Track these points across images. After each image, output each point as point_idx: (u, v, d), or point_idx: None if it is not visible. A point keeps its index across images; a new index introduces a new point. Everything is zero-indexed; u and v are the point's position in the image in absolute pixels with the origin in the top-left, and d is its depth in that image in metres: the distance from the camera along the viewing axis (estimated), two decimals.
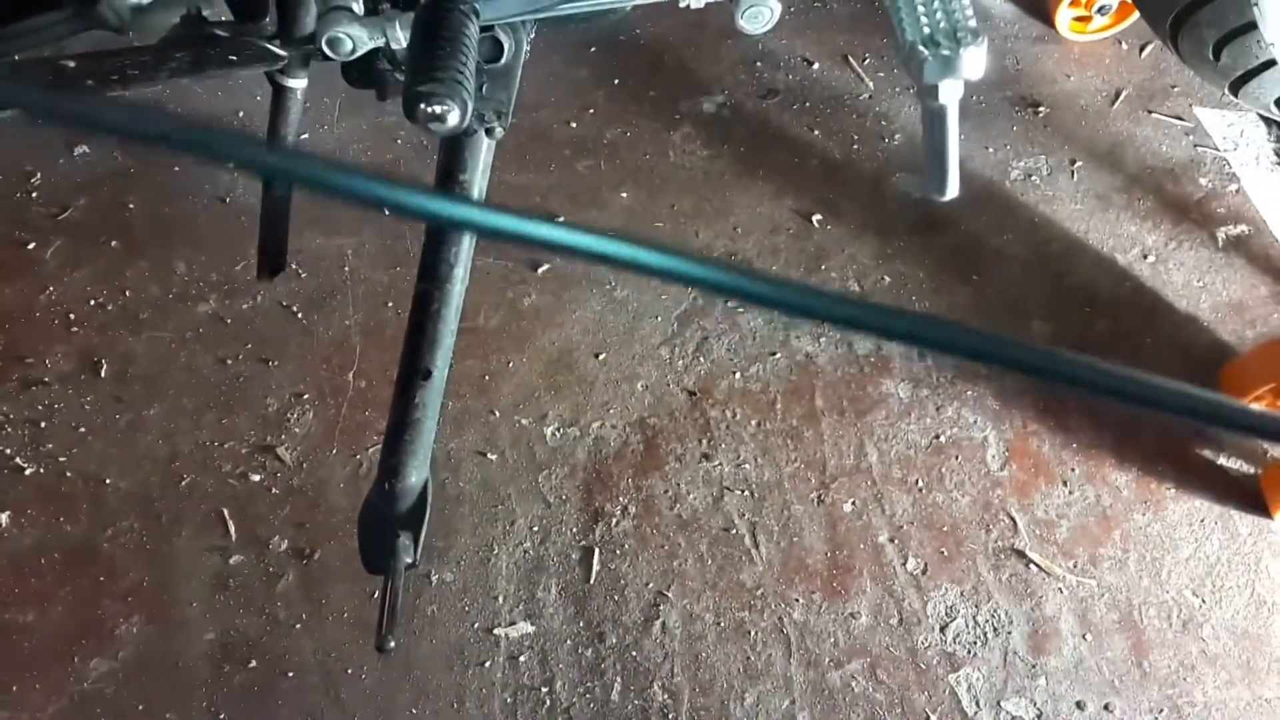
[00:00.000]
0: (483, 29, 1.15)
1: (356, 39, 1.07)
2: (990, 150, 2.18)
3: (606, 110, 2.19)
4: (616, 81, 2.24)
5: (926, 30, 0.74)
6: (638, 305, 1.85)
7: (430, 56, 0.96)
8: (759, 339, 1.82)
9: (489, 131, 1.23)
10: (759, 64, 2.32)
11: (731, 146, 2.14)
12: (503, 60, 1.19)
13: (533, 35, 1.27)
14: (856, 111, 2.24)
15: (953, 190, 0.77)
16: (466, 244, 1.28)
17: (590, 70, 2.26)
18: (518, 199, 1.96)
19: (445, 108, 0.89)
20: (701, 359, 1.77)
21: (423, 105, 0.88)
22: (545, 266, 1.88)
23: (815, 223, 2.00)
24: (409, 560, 1.23)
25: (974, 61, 0.73)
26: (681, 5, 1.13)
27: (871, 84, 2.30)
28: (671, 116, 2.18)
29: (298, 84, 1.22)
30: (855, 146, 2.17)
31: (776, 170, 2.10)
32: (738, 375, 1.76)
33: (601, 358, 1.75)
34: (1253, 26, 1.76)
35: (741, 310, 1.86)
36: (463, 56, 0.96)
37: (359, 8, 1.08)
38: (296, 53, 1.16)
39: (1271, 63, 1.85)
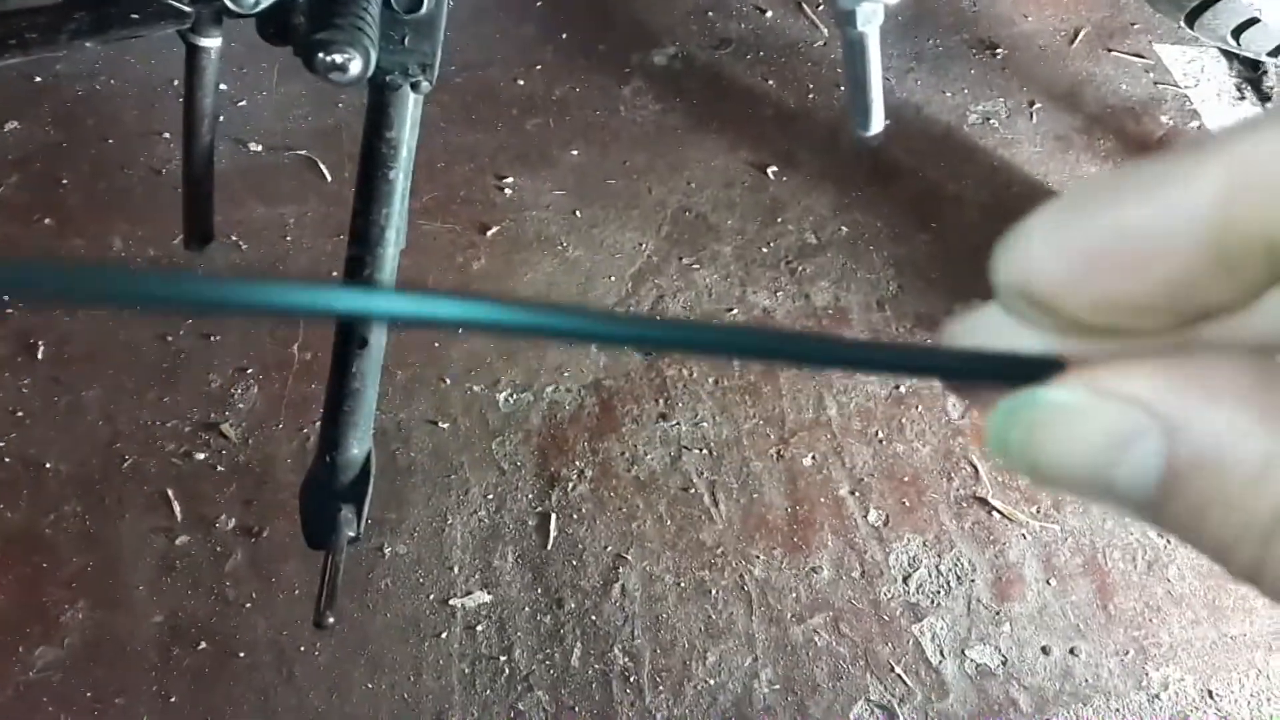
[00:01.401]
0: None
1: None
2: (948, 95, 2.14)
3: (554, 66, 2.13)
4: (564, 36, 2.18)
5: None
6: (590, 265, 1.81)
7: (329, 3, 0.91)
8: (715, 295, 1.78)
9: (414, 86, 1.18)
10: (711, 14, 2.26)
11: (684, 99, 2.09)
12: (424, 10, 1.13)
13: None
14: (811, 60, 2.19)
15: (877, 125, 0.73)
16: (397, 206, 1.24)
17: (537, 25, 2.20)
18: (464, 159, 1.91)
19: (345, 56, 0.85)
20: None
21: (320, 54, 0.84)
22: (494, 229, 1.83)
23: (771, 175, 1.96)
24: (351, 534, 1.19)
25: None
26: None
27: (826, 31, 2.25)
28: (622, 70, 2.13)
29: (211, 43, 1.16)
30: (811, 96, 2.12)
31: (731, 122, 2.05)
32: None
33: None
34: None
35: (697, 266, 1.82)
36: (364, 2, 0.91)
37: None
38: (205, 9, 1.10)
39: None
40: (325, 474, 1.23)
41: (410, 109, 1.19)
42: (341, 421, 1.23)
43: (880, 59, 0.72)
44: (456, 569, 1.43)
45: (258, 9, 1.00)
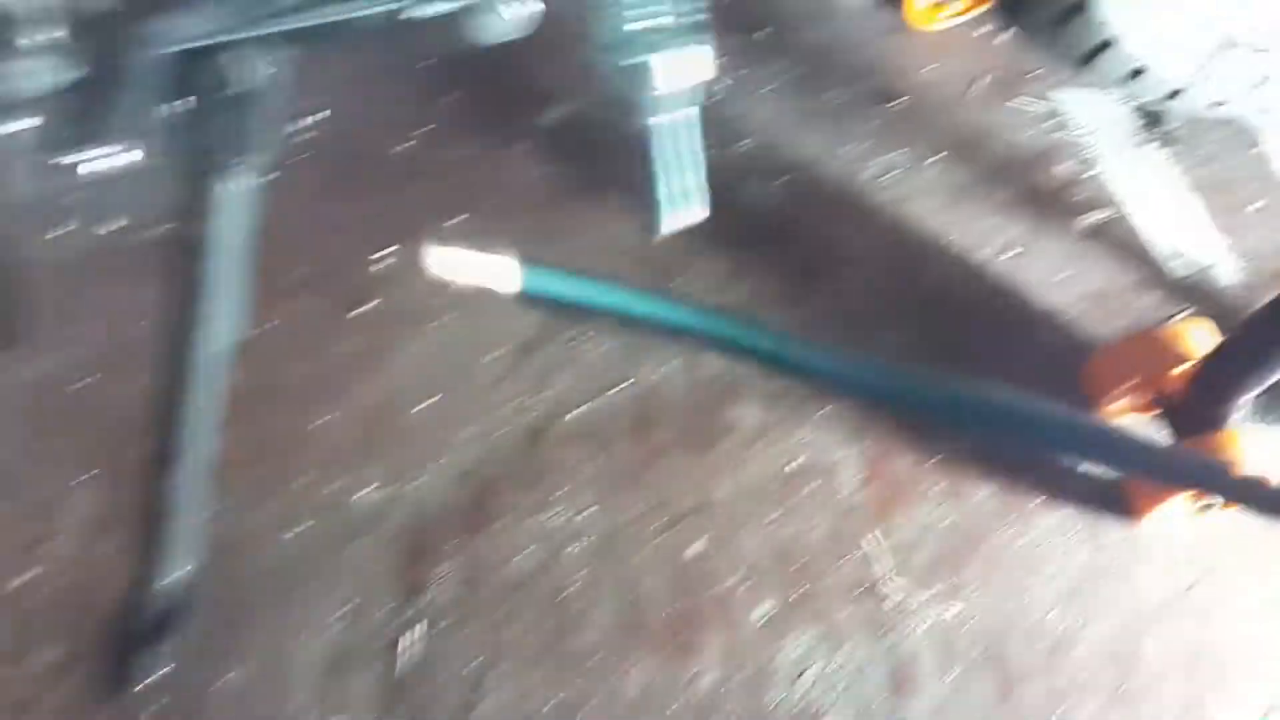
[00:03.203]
0: (194, 54, 1.00)
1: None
2: (845, 148, 2.08)
3: (442, 129, 2.04)
4: (454, 96, 2.10)
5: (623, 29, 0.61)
6: (473, 339, 1.71)
7: (82, 93, 0.82)
8: (603, 369, 1.69)
9: (230, 172, 1.08)
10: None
11: (575, 162, 2.01)
12: (233, 89, 1.04)
13: (286, 58, 1.13)
14: (705, 117, 2.12)
15: (667, 227, 0.65)
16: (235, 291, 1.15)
17: (426, 85, 2.11)
18: (337, 231, 1.79)
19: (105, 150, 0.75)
20: (541, 395, 1.64)
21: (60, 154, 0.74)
22: (367, 306, 1.72)
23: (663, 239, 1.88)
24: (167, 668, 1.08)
25: (678, 68, 0.61)
26: (402, 18, 1.00)
27: (721, 86, 2.19)
28: (512, 132, 2.04)
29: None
30: (709, 150, 2.05)
31: (623, 185, 1.97)
32: (581, 410, 1.63)
33: (428, 404, 1.60)
34: (1084, 7, 1.69)
35: (589, 335, 1.73)
36: (118, 90, 0.82)
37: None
38: None
39: (1109, 43, 1.78)
40: (141, 603, 1.12)
41: (231, 198, 1.09)
42: (159, 545, 1.13)
43: (676, 149, 0.63)
44: (303, 695, 1.31)
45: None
